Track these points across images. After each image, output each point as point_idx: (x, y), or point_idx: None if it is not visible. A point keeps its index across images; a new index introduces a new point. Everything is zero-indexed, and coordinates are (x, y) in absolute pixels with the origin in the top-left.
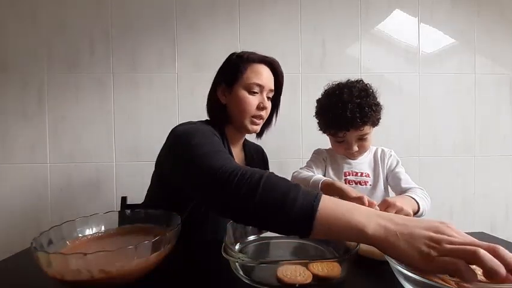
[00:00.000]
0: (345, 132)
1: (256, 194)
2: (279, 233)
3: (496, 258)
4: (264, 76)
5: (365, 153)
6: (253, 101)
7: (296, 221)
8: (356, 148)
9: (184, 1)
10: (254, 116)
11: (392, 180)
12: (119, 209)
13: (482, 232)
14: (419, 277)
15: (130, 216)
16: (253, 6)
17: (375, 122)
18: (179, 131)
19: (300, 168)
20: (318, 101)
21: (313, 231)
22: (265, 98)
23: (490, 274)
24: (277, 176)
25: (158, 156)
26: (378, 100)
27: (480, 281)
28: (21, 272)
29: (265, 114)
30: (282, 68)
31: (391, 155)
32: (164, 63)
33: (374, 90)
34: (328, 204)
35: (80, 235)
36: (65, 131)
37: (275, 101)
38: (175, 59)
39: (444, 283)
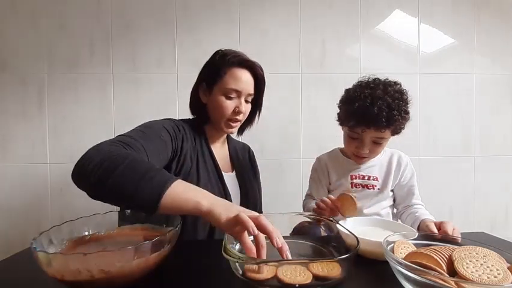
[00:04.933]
0: (364, 128)
1: (112, 175)
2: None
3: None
4: (242, 81)
5: (377, 156)
6: (229, 105)
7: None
8: (366, 150)
9: (184, 1)
10: (230, 120)
11: (402, 191)
12: (119, 209)
13: (482, 232)
14: (419, 277)
15: (130, 216)
16: (253, 6)
17: (397, 130)
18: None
19: (307, 195)
20: (347, 90)
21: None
22: (243, 102)
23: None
24: (141, 160)
25: None
26: (409, 110)
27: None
28: (21, 272)
29: (242, 117)
30: (283, 68)
31: (407, 165)
32: (164, 63)
33: (409, 99)
34: (177, 187)
35: (80, 235)
36: (65, 131)
37: (257, 101)
38: (175, 59)
39: (444, 283)
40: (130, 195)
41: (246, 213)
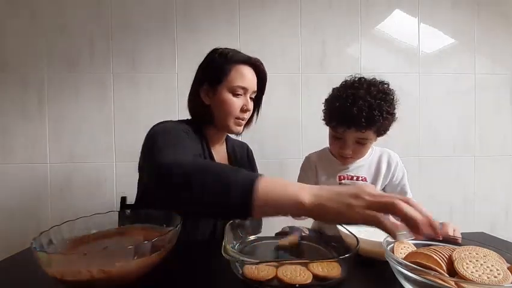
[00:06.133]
0: (345, 128)
1: (192, 184)
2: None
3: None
4: (248, 78)
5: (365, 156)
6: (237, 103)
7: (236, 204)
8: (350, 151)
9: (184, 1)
10: (237, 118)
11: (395, 191)
12: (119, 209)
13: (482, 232)
14: (419, 277)
15: (130, 216)
16: (253, 6)
17: (380, 131)
18: (150, 133)
19: None
20: (333, 89)
21: (253, 210)
22: (249, 100)
23: (409, 222)
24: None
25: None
26: (394, 111)
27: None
28: (21, 272)
29: (247, 115)
30: (283, 68)
31: (397, 164)
32: (164, 63)
33: (395, 100)
34: (265, 182)
35: (80, 235)
36: (65, 131)
37: (257, 100)
38: (175, 59)
39: (444, 283)
40: (218, 203)
41: (376, 197)
